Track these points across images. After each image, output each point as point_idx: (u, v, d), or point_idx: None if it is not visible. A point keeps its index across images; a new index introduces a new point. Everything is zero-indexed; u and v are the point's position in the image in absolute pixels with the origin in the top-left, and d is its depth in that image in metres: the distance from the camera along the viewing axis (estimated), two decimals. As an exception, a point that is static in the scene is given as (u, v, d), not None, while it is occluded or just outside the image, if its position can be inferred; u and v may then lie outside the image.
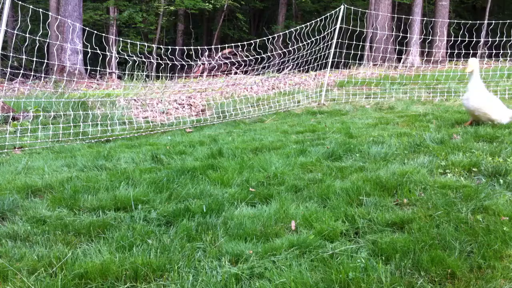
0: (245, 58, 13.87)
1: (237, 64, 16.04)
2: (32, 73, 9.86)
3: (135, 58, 11.27)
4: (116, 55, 15.16)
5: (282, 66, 15.28)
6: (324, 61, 12.51)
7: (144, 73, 13.64)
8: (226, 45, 16.71)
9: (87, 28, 9.98)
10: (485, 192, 4.75)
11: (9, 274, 3.41)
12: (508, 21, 13.74)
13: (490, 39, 14.15)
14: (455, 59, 14.59)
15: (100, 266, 3.47)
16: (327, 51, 12.32)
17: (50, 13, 12.05)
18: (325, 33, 12.32)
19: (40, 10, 8.64)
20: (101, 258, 3.61)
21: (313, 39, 12.28)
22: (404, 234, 3.97)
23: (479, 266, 3.40)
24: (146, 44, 18.90)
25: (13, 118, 9.58)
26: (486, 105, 7.42)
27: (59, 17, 16.92)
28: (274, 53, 13.95)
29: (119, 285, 3.32)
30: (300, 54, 12.95)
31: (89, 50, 9.52)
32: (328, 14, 12.23)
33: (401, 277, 3.29)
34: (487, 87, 12.48)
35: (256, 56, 13.21)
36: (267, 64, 13.90)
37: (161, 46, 11.93)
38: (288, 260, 3.57)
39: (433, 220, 4.18)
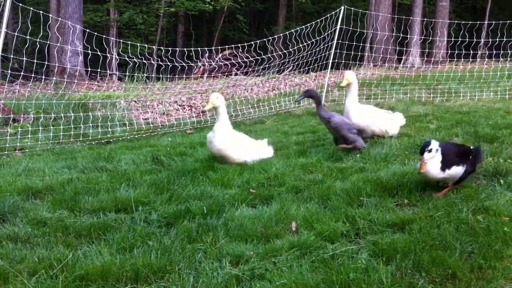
0: (245, 59, 13.85)
1: (237, 65, 16.02)
2: (33, 75, 9.84)
3: (135, 59, 11.26)
4: (117, 57, 15.16)
5: (282, 67, 15.27)
6: (324, 62, 12.51)
7: (145, 75, 13.63)
8: (227, 46, 16.72)
9: (87, 30, 9.98)
10: (486, 193, 4.75)
11: (10, 276, 3.41)
12: (508, 21, 13.74)
13: (490, 40, 14.13)
14: (455, 59, 14.55)
15: (101, 267, 3.47)
16: (327, 52, 12.32)
17: (50, 15, 12.03)
18: (325, 34, 12.32)
19: (41, 12, 8.65)
20: (102, 259, 3.61)
21: (313, 40, 12.28)
22: (404, 234, 3.97)
23: (479, 267, 3.40)
24: (146, 45, 18.87)
25: (14, 120, 9.58)
26: (229, 147, 6.32)
27: (60, 19, 16.94)
28: (275, 54, 13.93)
29: (119, 287, 3.32)
30: (301, 55, 12.94)
31: (90, 52, 9.52)
32: (328, 15, 12.23)
33: (402, 278, 3.29)
34: (487, 87, 12.53)
35: (257, 57, 13.21)
36: (267, 65, 13.88)
37: (162, 48, 11.94)
38: (289, 261, 3.57)
39: (434, 220, 4.18)
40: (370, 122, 7.05)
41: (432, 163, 4.61)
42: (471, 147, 5.10)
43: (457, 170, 4.73)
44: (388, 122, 7.21)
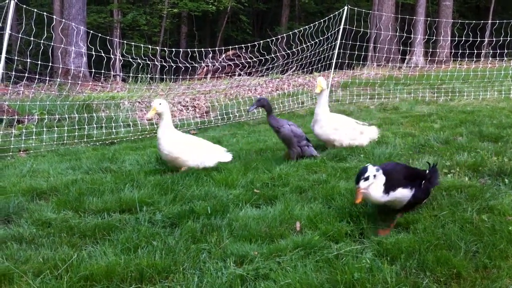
0: (248, 60, 13.86)
1: (240, 65, 16.03)
2: (37, 76, 9.86)
3: (139, 60, 11.27)
4: (120, 58, 15.20)
5: (285, 68, 15.28)
6: (327, 62, 12.51)
7: (148, 76, 13.65)
8: (230, 47, 16.71)
9: (91, 31, 10.02)
10: (490, 192, 4.74)
11: (15, 277, 3.42)
12: (512, 20, 13.71)
13: (494, 39, 14.11)
14: (459, 59, 14.55)
15: (106, 268, 3.47)
16: (330, 52, 12.32)
17: (54, 17, 12.09)
18: (329, 34, 12.32)
19: (44, 13, 8.67)
20: (107, 260, 3.61)
21: (316, 40, 12.28)
22: (409, 234, 3.96)
23: (484, 266, 3.39)
24: (150, 46, 18.91)
25: (18, 121, 9.61)
26: (177, 149, 6.04)
27: (63, 20, 16.98)
28: (278, 54, 13.93)
29: (124, 287, 3.32)
30: (304, 55, 12.94)
31: (94, 53, 9.54)
32: (332, 15, 12.23)
33: (407, 277, 3.28)
34: (491, 87, 12.50)
35: (260, 58, 13.22)
36: (270, 66, 13.89)
37: (165, 49, 11.94)
38: (293, 261, 3.57)
39: (438, 220, 4.17)
40: (336, 135, 6.81)
41: (375, 186, 4.11)
42: (427, 170, 4.58)
43: (404, 193, 4.23)
44: (354, 133, 6.88)
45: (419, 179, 4.40)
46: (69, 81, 11.77)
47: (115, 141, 8.72)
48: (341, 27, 11.95)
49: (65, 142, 8.45)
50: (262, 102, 6.47)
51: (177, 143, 6.07)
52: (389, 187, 4.15)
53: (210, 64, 18.26)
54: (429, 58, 17.50)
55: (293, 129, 6.40)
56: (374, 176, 4.07)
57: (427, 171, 4.54)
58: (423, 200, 4.49)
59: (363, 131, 6.93)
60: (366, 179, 4.05)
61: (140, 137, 9.17)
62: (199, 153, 6.17)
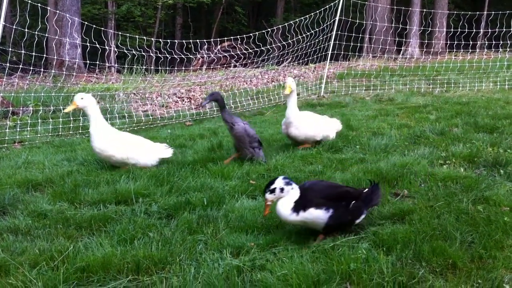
0: (244, 51, 13.83)
1: (236, 57, 16.00)
2: (31, 68, 9.83)
3: (134, 52, 11.23)
4: (115, 49, 15.13)
5: (281, 59, 15.26)
6: (323, 53, 12.50)
7: (143, 67, 13.61)
8: (225, 38, 16.68)
9: (85, 23, 9.96)
10: (486, 183, 4.75)
11: (11, 268, 3.41)
12: (507, 12, 13.72)
13: (489, 30, 14.11)
14: (454, 50, 14.54)
15: (102, 259, 3.47)
16: (326, 44, 12.30)
17: (48, 8, 12.00)
18: (324, 25, 12.30)
19: (39, 4, 8.62)
20: (103, 251, 3.61)
21: (312, 31, 12.26)
22: (405, 225, 3.97)
23: (480, 256, 3.40)
24: (145, 37, 18.84)
25: (13, 113, 9.57)
26: (110, 147, 5.81)
27: (58, 11, 16.87)
28: (274, 45, 13.91)
29: (121, 278, 3.32)
30: (300, 47, 12.92)
31: (88, 44, 9.50)
32: (327, 6, 12.20)
33: (402, 268, 3.29)
34: (487, 78, 12.52)
35: (255, 49, 13.19)
36: (266, 57, 13.87)
37: (160, 40, 11.90)
38: (290, 252, 3.58)
39: (434, 211, 4.18)
40: (312, 131, 6.67)
41: (284, 202, 3.73)
42: (365, 189, 4.04)
43: (316, 214, 3.71)
44: (327, 127, 6.85)
45: (348, 199, 3.86)
46: (64, 72, 11.73)
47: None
48: (337, 18, 11.92)
49: (60, 133, 8.42)
50: (215, 96, 6.10)
51: (111, 140, 5.79)
52: (299, 206, 3.71)
53: (205, 56, 18.21)
54: (425, 49, 17.53)
55: (246, 128, 6.10)
56: (282, 189, 3.69)
57: (365, 190, 4.03)
58: (352, 223, 3.91)
59: (327, 123, 6.91)
60: (272, 191, 3.71)
61: (135, 128, 9.14)
62: (136, 151, 5.88)
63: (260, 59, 14.21)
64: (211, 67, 17.08)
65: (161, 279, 3.30)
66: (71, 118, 8.91)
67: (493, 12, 14.45)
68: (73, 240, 3.90)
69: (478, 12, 15.21)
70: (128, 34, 10.53)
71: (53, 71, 11.70)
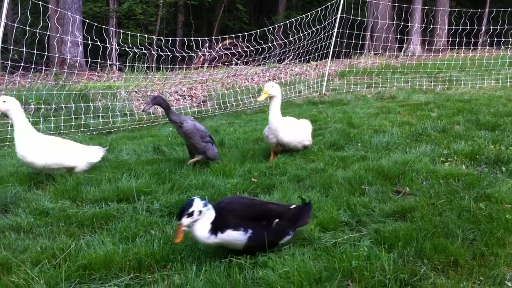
0: (245, 49, 13.81)
1: (237, 55, 15.99)
2: (33, 66, 9.84)
3: (135, 49, 11.23)
4: (117, 47, 15.11)
5: (282, 57, 15.24)
6: (325, 51, 12.48)
7: (145, 65, 13.61)
8: (227, 36, 16.63)
9: (87, 21, 9.96)
10: (488, 180, 4.75)
11: (13, 266, 3.42)
12: (509, 9, 13.68)
13: (491, 27, 14.09)
14: (456, 47, 14.53)
15: (104, 257, 3.47)
16: (327, 41, 12.29)
17: (49, 6, 12.02)
18: (326, 23, 12.29)
19: (40, 2, 8.61)
20: (105, 249, 3.61)
21: (313, 29, 12.25)
22: (406, 222, 3.96)
23: (482, 254, 3.40)
24: (146, 35, 18.82)
25: (15, 111, 9.55)
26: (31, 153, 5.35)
27: (59, 9, 16.86)
28: (275, 43, 13.90)
29: (122, 276, 3.32)
30: (301, 44, 12.91)
31: (90, 42, 9.50)
32: (329, 4, 12.18)
33: (404, 265, 3.29)
34: (488, 75, 12.50)
35: (257, 47, 13.18)
36: (267, 55, 13.86)
37: (162, 38, 11.91)
38: (291, 249, 3.58)
39: (436, 208, 4.18)
40: (299, 137, 6.26)
41: (201, 224, 3.41)
42: (290, 206, 3.76)
43: (234, 236, 3.44)
44: (308, 132, 6.44)
45: (270, 217, 3.57)
46: (65, 70, 11.73)
47: (112, 130, 8.70)
48: (338, 15, 11.91)
49: (62, 131, 8.43)
50: (158, 100, 5.83)
51: (34, 146, 5.37)
52: (217, 227, 3.43)
53: (206, 54, 18.21)
54: (426, 47, 17.51)
55: (196, 124, 5.84)
56: (200, 212, 3.38)
57: (292, 206, 3.75)
58: (275, 243, 3.61)
59: (304, 128, 6.45)
60: (190, 215, 3.35)
61: (137, 126, 9.15)
62: (60, 156, 5.52)
63: (262, 57, 14.20)
64: (213, 65, 17.08)
65: (162, 276, 3.31)
66: (73, 116, 8.92)
67: (494, 10, 14.41)
68: (75, 238, 3.91)
69: (479, 9, 15.20)
70: (129, 32, 10.56)
71: (54, 69, 11.66)
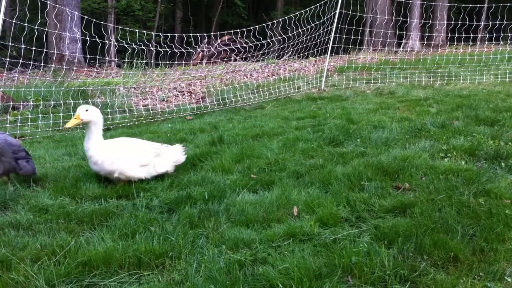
0: (244, 45, 13.81)
1: (236, 51, 15.98)
2: (31, 63, 9.80)
3: (134, 46, 11.20)
4: (115, 43, 15.10)
5: (281, 53, 15.23)
6: (324, 46, 12.46)
7: (144, 61, 13.59)
8: (225, 32, 16.64)
9: (85, 17, 9.93)
10: (487, 176, 4.75)
11: (13, 263, 3.42)
12: (508, 4, 13.67)
13: (490, 23, 14.07)
14: (455, 43, 14.51)
15: (103, 254, 3.47)
16: (327, 37, 12.27)
17: (48, 2, 11.97)
18: (325, 18, 12.26)
19: (38, -2, 8.59)
20: (104, 246, 3.61)
21: (312, 24, 12.22)
22: (406, 218, 3.97)
23: (481, 249, 3.41)
24: (145, 31, 18.82)
25: (13, 108, 9.57)
26: None
27: (57, 5, 16.83)
28: (274, 39, 13.88)
29: (122, 273, 3.32)
30: (300, 40, 12.89)
31: (88, 39, 9.47)
32: (328, -1, 12.16)
33: (404, 261, 3.30)
34: (488, 71, 12.49)
35: (256, 43, 13.16)
36: (266, 51, 13.85)
37: (160, 34, 11.88)
38: (291, 246, 3.58)
39: (435, 204, 4.18)
40: (114, 167, 5.04)
41: None
42: None
43: None
44: (147, 157, 5.18)
45: None
46: (64, 67, 11.70)
47: (111, 127, 8.69)
48: (337, 11, 11.89)
49: (60, 128, 8.42)
50: None
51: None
52: None
53: (205, 50, 18.18)
54: (425, 42, 17.49)
55: (7, 138, 5.01)
56: None
57: None
58: None
59: (159, 154, 5.30)
60: None
61: (136, 122, 9.14)
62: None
63: (261, 52, 14.18)
64: (211, 61, 17.05)
65: (162, 273, 3.31)
66: (72, 113, 8.89)
67: (493, 5, 14.41)
68: (74, 235, 3.91)
69: (478, 5, 15.19)
70: (128, 28, 10.50)
71: (53, 65, 11.68)
